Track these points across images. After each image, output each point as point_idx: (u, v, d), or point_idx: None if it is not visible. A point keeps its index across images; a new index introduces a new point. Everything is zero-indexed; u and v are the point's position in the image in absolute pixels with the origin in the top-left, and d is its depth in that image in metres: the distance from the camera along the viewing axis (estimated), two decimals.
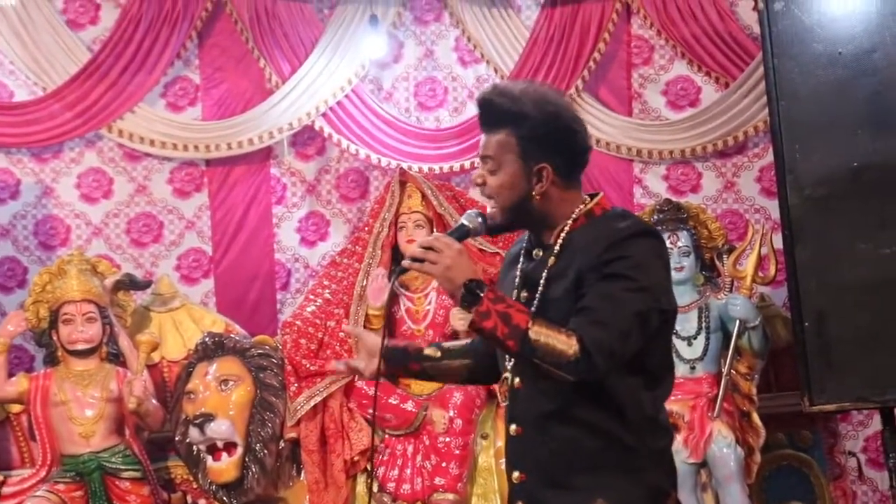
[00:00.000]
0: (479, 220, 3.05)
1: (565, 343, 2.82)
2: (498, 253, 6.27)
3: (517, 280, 3.12)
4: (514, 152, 3.04)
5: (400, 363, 3.31)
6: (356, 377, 6.07)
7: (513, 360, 3.04)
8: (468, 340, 3.38)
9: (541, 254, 3.08)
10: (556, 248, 3.01)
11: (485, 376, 3.39)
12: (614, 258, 2.90)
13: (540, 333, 2.83)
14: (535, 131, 3.03)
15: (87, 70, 6.94)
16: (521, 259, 3.14)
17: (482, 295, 2.84)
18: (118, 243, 7.15)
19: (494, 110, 3.07)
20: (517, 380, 3.05)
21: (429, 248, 2.91)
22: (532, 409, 3.02)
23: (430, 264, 2.89)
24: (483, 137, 3.11)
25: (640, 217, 3.90)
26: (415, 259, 2.92)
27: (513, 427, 3.06)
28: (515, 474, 3.05)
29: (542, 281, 3.02)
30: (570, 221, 3.06)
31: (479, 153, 3.11)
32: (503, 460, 5.45)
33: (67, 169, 7.09)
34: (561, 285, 2.96)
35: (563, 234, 3.04)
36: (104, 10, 7.14)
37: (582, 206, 3.08)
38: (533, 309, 2.97)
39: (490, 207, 3.10)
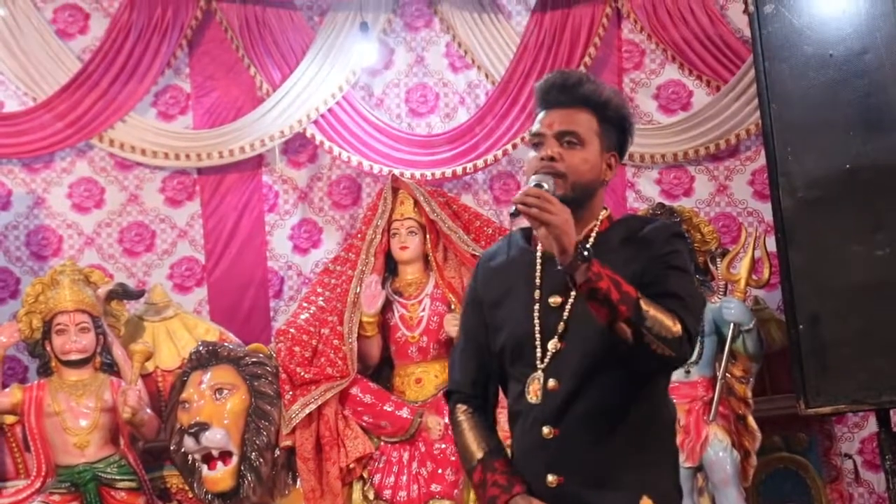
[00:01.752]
0: (552, 185, 2.96)
1: (670, 320, 2.88)
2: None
3: (539, 280, 3.12)
4: (596, 134, 3.09)
5: None
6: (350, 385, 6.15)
7: (546, 361, 3.05)
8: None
9: None
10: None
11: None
12: (672, 251, 3.01)
13: (649, 305, 2.86)
14: (615, 119, 3.11)
15: (77, 80, 6.93)
16: (539, 260, 3.14)
17: (593, 257, 2.82)
18: (111, 253, 7.14)
19: (581, 91, 3.09)
20: (552, 381, 3.04)
21: (539, 198, 2.82)
22: (574, 409, 3.02)
23: (548, 213, 2.80)
24: (556, 113, 3.09)
25: None
26: (528, 206, 2.82)
27: (546, 430, 3.03)
28: (550, 478, 3.02)
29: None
30: (597, 223, 3.12)
31: (547, 129, 3.08)
32: None
33: (59, 179, 7.08)
34: None
35: (593, 235, 3.10)
36: (93, 20, 7.13)
37: (604, 210, 3.15)
38: (568, 308, 3.03)
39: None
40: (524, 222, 2.92)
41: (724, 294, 6.28)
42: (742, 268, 6.24)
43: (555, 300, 3.07)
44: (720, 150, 7.22)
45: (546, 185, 2.92)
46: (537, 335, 3.08)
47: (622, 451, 3.02)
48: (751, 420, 6.21)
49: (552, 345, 3.06)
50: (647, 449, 3.07)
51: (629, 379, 3.01)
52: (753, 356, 6.22)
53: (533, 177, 2.98)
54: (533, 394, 3.06)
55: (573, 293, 3.00)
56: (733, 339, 6.10)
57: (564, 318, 3.06)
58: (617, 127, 3.14)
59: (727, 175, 7.30)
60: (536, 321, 3.08)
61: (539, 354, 3.07)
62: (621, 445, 3.02)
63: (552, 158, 3.03)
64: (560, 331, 3.05)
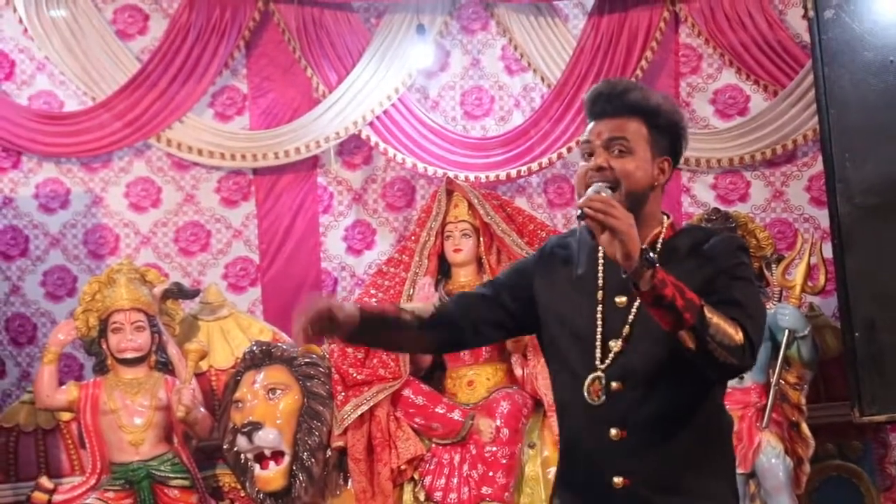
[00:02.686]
0: (610, 193, 2.98)
1: (732, 328, 2.88)
2: None
3: (603, 279, 3.13)
4: (646, 141, 3.10)
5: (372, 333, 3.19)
6: (402, 387, 6.16)
7: (607, 361, 3.06)
8: (431, 309, 3.31)
9: None
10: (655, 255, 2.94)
11: (430, 347, 3.62)
12: (738, 263, 3.04)
13: (712, 312, 2.87)
14: (665, 125, 3.13)
15: (136, 80, 6.98)
16: (602, 259, 3.14)
17: (657, 263, 2.83)
18: (166, 252, 7.19)
19: (629, 99, 3.11)
20: (615, 383, 3.05)
21: (604, 203, 2.83)
22: (641, 412, 3.04)
23: (614, 218, 2.80)
24: (604, 123, 3.11)
25: None
26: (592, 210, 2.82)
27: (613, 431, 3.04)
28: (617, 480, 3.03)
29: None
30: (663, 229, 3.14)
31: (596, 138, 3.09)
32: (551, 469, 5.44)
33: (116, 178, 7.13)
34: None
35: (659, 241, 3.12)
36: (153, 21, 7.17)
37: (665, 217, 3.17)
38: (634, 310, 3.06)
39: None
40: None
41: (779, 300, 6.25)
42: (797, 274, 6.19)
43: (621, 300, 3.09)
44: (777, 156, 7.17)
45: (605, 193, 2.93)
46: (598, 334, 3.09)
47: (686, 457, 3.04)
48: (804, 427, 6.18)
49: (615, 345, 3.06)
50: (709, 455, 3.09)
51: (692, 385, 3.03)
52: (808, 363, 6.18)
53: (593, 185, 2.98)
54: (594, 394, 3.06)
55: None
56: (788, 346, 6.05)
57: (630, 320, 3.07)
58: (669, 132, 3.14)
59: (783, 181, 7.24)
60: (599, 320, 3.09)
61: (599, 354, 3.07)
62: (686, 450, 3.04)
63: (601, 168, 3.04)
64: (625, 333, 3.06)
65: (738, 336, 2.88)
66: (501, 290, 3.30)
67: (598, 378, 3.07)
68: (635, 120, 3.10)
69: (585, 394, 3.08)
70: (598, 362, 3.07)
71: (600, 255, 3.14)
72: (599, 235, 2.83)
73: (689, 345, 2.85)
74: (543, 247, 3.35)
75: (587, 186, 3.01)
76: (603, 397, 3.06)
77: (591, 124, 3.14)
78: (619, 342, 3.06)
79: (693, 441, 3.05)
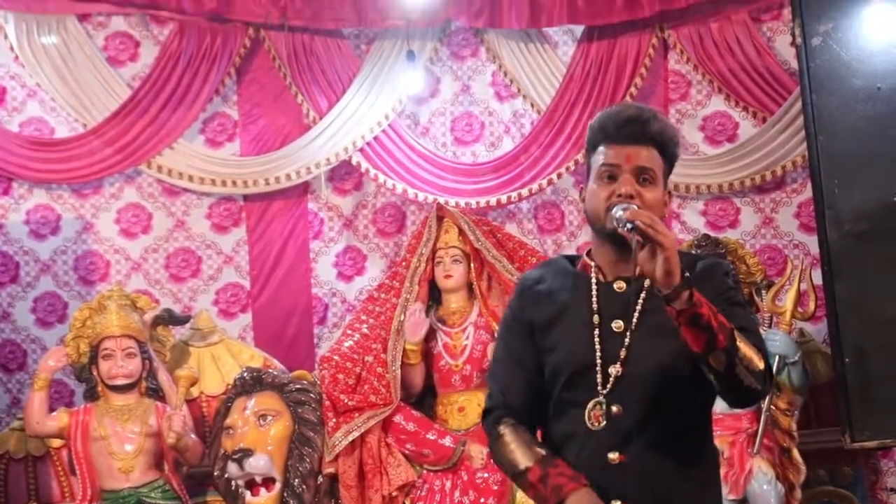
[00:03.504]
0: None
1: (756, 354, 2.94)
2: None
3: (597, 304, 3.13)
4: (662, 171, 3.13)
5: None
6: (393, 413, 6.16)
7: (608, 386, 3.07)
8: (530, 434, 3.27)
9: (625, 287, 3.12)
10: (646, 282, 3.01)
11: None
12: (730, 288, 3.09)
13: (740, 338, 2.90)
14: (672, 157, 3.16)
15: (126, 107, 7.00)
16: (595, 284, 3.16)
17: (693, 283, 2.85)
18: (157, 278, 7.19)
19: (655, 129, 3.11)
20: (615, 407, 3.06)
21: (650, 218, 2.84)
22: (640, 436, 3.05)
23: (663, 236, 2.80)
24: (634, 149, 3.09)
25: None
26: (643, 223, 2.83)
27: (612, 455, 3.05)
28: (616, 503, 3.05)
29: (636, 314, 3.08)
30: None
31: (626, 163, 3.08)
32: None
33: (107, 204, 7.15)
34: (656, 319, 2.99)
35: None
36: (143, 47, 7.19)
37: None
38: (629, 334, 3.08)
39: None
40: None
41: (770, 326, 6.26)
42: (787, 300, 6.21)
43: (618, 325, 3.09)
44: (766, 182, 7.18)
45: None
46: (598, 360, 3.09)
47: (682, 480, 3.07)
48: (795, 453, 6.17)
49: (614, 370, 3.07)
50: (702, 479, 3.14)
51: (688, 409, 3.07)
52: (798, 389, 6.17)
53: (621, 204, 2.97)
54: (595, 419, 3.07)
55: (635, 319, 3.07)
56: (778, 372, 6.05)
57: (626, 344, 3.08)
58: (672, 163, 3.18)
59: (773, 207, 7.26)
60: (598, 346, 3.09)
61: (600, 379, 3.07)
62: (681, 473, 3.07)
63: (630, 196, 3.04)
64: (623, 357, 3.07)
65: (761, 363, 2.94)
66: (528, 361, 3.25)
67: (600, 403, 3.08)
68: (656, 149, 3.11)
69: (586, 419, 3.09)
70: (599, 387, 3.08)
71: (592, 281, 3.16)
72: (639, 252, 2.83)
73: (717, 367, 2.88)
74: (521, 288, 3.31)
75: (608, 209, 3.02)
76: (603, 422, 3.06)
77: (615, 148, 3.10)
78: (619, 366, 3.07)
79: (688, 465, 3.08)
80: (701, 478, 3.13)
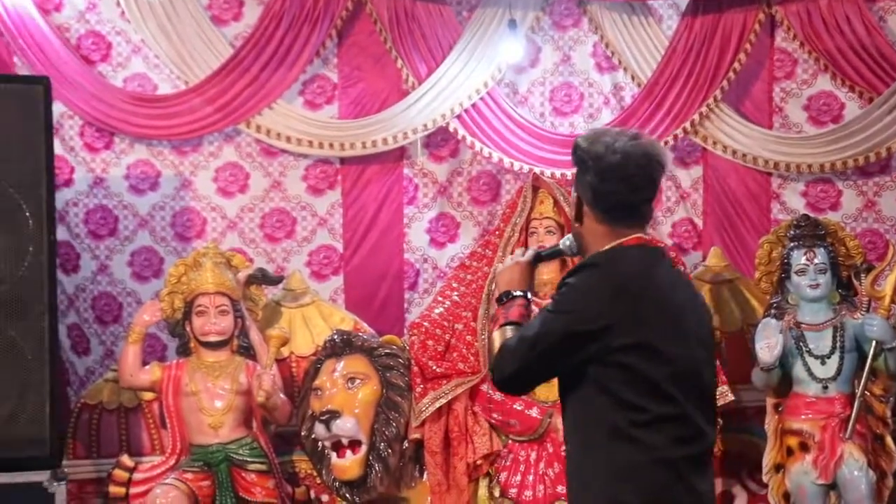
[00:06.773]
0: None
1: (497, 348, 3.43)
2: None
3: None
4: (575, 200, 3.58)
5: None
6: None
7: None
8: None
9: None
10: None
11: None
12: (553, 298, 3.31)
13: (503, 330, 3.42)
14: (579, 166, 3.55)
15: (228, 65, 7.03)
16: None
17: None
18: (252, 237, 7.24)
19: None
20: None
21: None
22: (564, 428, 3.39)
23: None
24: None
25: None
26: None
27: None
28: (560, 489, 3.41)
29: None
30: None
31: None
32: None
33: (206, 162, 7.19)
34: None
35: None
36: (247, 7, 7.21)
37: None
38: None
39: None
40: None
41: (868, 310, 6.15)
42: (887, 285, 6.09)
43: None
44: (869, 164, 7.06)
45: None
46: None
47: (573, 472, 3.35)
48: (889, 440, 6.11)
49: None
50: (584, 465, 3.30)
51: (570, 409, 3.38)
52: (895, 375, 6.08)
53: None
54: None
55: None
56: (875, 357, 5.97)
57: None
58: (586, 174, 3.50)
59: (876, 190, 7.14)
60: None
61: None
62: (570, 462, 3.39)
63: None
64: None
65: (492, 356, 3.45)
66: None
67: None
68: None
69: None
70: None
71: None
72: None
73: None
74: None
75: None
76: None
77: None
78: None
79: (576, 453, 3.28)
80: (586, 464, 3.23)
